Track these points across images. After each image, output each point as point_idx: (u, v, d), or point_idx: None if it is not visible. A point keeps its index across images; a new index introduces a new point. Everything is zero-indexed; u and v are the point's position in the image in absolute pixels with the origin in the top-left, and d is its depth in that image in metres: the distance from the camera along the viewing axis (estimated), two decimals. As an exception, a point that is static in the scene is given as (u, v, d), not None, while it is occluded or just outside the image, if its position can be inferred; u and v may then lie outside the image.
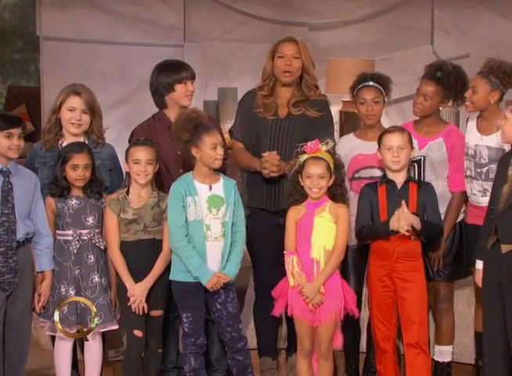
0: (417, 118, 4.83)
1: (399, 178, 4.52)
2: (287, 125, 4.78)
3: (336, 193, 4.49)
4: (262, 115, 4.81)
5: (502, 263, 4.21)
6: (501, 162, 4.35)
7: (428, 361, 4.57)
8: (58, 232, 4.54)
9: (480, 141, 4.62)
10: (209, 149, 4.41)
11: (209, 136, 4.42)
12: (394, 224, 4.42)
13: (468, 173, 4.70)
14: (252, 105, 4.85)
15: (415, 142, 4.66)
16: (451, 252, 4.75)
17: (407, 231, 4.40)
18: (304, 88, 4.83)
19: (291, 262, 4.40)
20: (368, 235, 4.54)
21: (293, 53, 4.78)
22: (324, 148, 4.47)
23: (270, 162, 4.64)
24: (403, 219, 4.40)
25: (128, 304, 4.49)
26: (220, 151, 4.42)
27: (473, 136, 4.68)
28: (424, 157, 4.70)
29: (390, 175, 4.53)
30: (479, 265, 4.38)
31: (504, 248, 4.20)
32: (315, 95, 4.85)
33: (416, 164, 4.70)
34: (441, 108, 4.78)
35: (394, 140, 4.48)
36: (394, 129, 4.55)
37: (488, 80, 4.57)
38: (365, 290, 4.92)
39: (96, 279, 4.51)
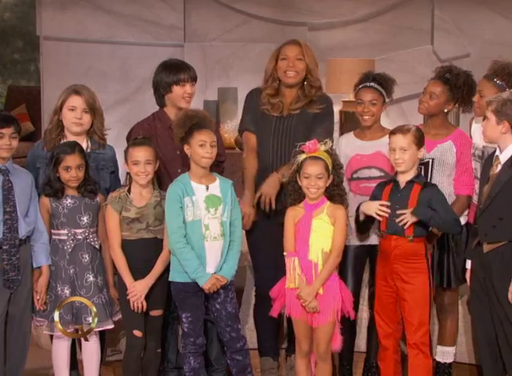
0: (422, 122, 4.82)
1: (403, 179, 4.49)
2: (289, 123, 4.79)
3: (334, 194, 4.47)
4: (268, 112, 4.82)
5: (484, 262, 4.24)
6: (485, 162, 4.37)
7: (427, 362, 4.53)
8: (53, 231, 4.54)
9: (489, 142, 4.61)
10: (197, 146, 4.42)
11: (199, 133, 4.42)
12: (364, 206, 4.47)
13: (474, 174, 4.70)
14: (259, 101, 4.86)
15: None
16: (459, 256, 4.73)
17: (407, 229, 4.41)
18: (307, 88, 4.83)
19: (293, 264, 4.39)
20: (356, 217, 4.57)
21: (296, 55, 4.79)
22: (322, 148, 4.45)
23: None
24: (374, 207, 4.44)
25: (128, 299, 4.48)
26: (208, 150, 4.41)
27: (480, 137, 4.66)
28: (433, 159, 4.69)
29: (398, 175, 4.52)
30: (468, 264, 4.42)
31: (486, 248, 4.23)
32: (316, 95, 4.84)
33: (423, 166, 4.68)
34: (446, 110, 4.76)
35: (394, 142, 4.45)
36: (397, 130, 4.48)
37: (493, 83, 4.56)
38: (364, 290, 4.93)
39: (91, 278, 4.51)
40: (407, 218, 4.39)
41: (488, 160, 4.35)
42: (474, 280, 4.35)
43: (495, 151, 4.29)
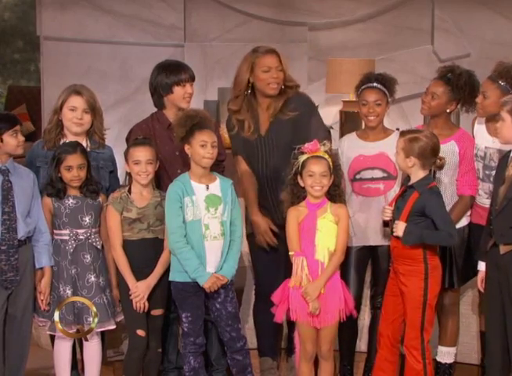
0: (422, 122, 4.81)
1: (411, 181, 4.49)
2: (270, 143, 4.75)
3: (334, 194, 4.46)
4: (248, 137, 4.77)
5: (500, 264, 4.22)
6: (500, 163, 4.35)
7: (416, 367, 4.42)
8: (55, 231, 4.54)
9: (491, 144, 4.58)
10: (198, 146, 4.42)
11: (200, 133, 4.42)
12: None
13: (476, 174, 4.69)
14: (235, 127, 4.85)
15: None
16: (461, 256, 4.73)
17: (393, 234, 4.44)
18: (284, 90, 4.75)
19: (301, 264, 4.38)
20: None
21: (277, 66, 4.72)
22: (322, 148, 4.46)
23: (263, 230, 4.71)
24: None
25: (131, 299, 4.48)
26: (209, 150, 4.41)
27: (483, 138, 4.65)
28: None
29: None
30: (481, 266, 4.39)
31: (502, 249, 4.20)
32: (294, 92, 4.78)
33: None
34: (448, 110, 4.76)
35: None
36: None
37: (497, 84, 4.53)
38: (366, 291, 4.92)
39: (92, 278, 4.51)
40: (397, 232, 4.39)
41: (502, 161, 4.31)
42: (487, 281, 4.32)
43: (509, 152, 4.27)
